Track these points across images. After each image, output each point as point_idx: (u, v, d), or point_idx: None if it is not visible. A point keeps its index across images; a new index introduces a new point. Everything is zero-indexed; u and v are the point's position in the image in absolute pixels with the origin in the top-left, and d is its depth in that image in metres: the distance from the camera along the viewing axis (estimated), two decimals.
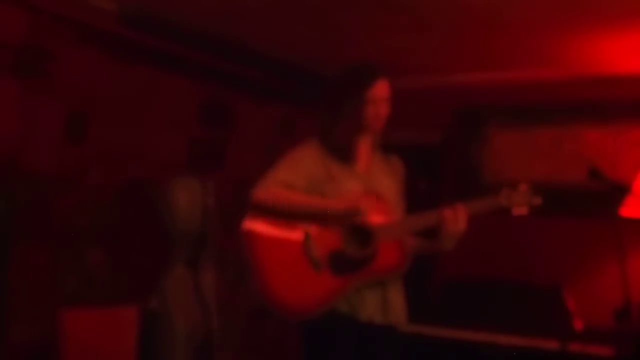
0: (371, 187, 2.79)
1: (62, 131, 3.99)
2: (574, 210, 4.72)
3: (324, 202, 2.68)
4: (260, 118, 5.25)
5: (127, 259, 4.28)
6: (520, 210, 2.77)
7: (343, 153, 2.78)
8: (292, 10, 4.09)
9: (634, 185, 4.11)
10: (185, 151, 4.73)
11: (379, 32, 4.38)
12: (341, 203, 2.65)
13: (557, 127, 4.88)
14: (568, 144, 4.84)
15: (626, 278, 3.51)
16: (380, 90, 2.77)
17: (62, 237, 3.98)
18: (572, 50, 4.48)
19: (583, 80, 4.81)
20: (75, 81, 4.02)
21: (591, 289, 4.57)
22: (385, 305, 2.74)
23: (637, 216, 4.09)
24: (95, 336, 3.66)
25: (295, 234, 2.69)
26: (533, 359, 3.95)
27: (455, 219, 2.70)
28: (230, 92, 5.02)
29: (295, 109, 5.48)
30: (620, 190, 3.83)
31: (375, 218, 2.69)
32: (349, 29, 4.36)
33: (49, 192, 3.91)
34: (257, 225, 2.69)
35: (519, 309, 4.26)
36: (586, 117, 4.80)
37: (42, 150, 3.89)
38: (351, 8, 4.00)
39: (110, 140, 4.21)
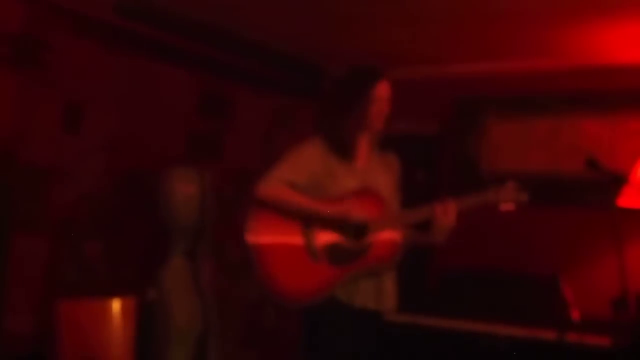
0: (368, 183, 2.96)
1: (59, 122, 3.99)
2: (572, 200, 4.72)
3: (318, 205, 2.85)
4: (259, 109, 5.25)
5: (125, 249, 4.28)
6: (507, 206, 2.93)
7: (344, 150, 2.95)
8: (291, 1, 4.08)
9: (631, 176, 4.11)
10: (183, 142, 4.73)
11: (377, 23, 4.37)
12: (332, 207, 2.83)
13: (555, 117, 4.88)
14: (566, 134, 4.84)
15: (623, 268, 3.52)
16: (384, 90, 2.95)
17: (60, 228, 3.98)
18: (570, 41, 4.47)
19: (581, 71, 4.80)
20: (72, 72, 4.01)
21: (589, 279, 4.57)
22: (378, 293, 2.93)
23: (634, 206, 4.10)
24: (92, 327, 3.67)
25: (295, 227, 2.87)
26: (530, 349, 3.95)
27: (445, 213, 2.88)
28: (229, 83, 5.01)
29: (293, 100, 5.47)
30: (618, 181, 3.83)
31: (371, 212, 2.88)
32: (347, 20, 4.35)
33: (47, 183, 3.91)
34: (260, 219, 2.86)
35: (517, 299, 4.26)
36: (584, 107, 4.79)
37: (39, 141, 3.88)
38: None
39: (108, 131, 4.21)
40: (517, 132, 5.01)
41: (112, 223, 4.23)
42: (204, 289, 4.23)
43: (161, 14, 4.33)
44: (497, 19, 4.14)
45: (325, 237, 2.86)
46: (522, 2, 3.85)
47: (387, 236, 2.91)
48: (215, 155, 4.95)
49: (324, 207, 2.84)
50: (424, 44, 4.78)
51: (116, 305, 3.73)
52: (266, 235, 2.85)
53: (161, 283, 4.10)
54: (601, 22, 4.10)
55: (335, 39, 4.75)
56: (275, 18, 4.42)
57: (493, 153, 5.09)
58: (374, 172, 3.01)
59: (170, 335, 4.07)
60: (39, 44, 3.85)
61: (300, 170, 2.89)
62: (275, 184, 2.85)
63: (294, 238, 2.86)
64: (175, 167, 4.20)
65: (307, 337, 2.95)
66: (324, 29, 4.58)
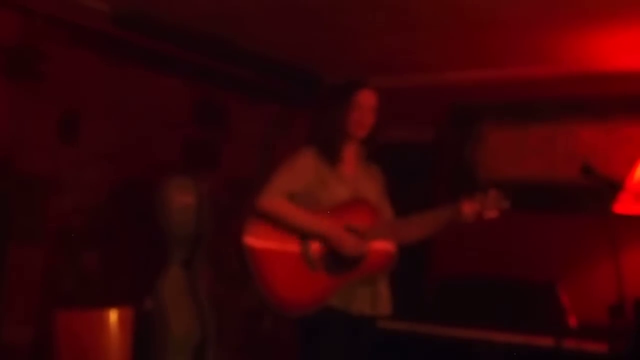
0: (358, 192, 3.00)
1: (55, 132, 3.99)
2: (568, 207, 4.72)
3: (315, 222, 2.88)
4: (254, 118, 5.25)
5: (121, 259, 4.28)
6: (490, 214, 2.93)
7: (331, 157, 2.97)
8: (286, 11, 4.09)
9: (627, 182, 4.12)
10: (179, 151, 4.73)
11: (372, 31, 4.38)
12: (328, 227, 2.87)
13: (551, 124, 4.88)
14: (561, 141, 4.85)
15: (620, 274, 3.52)
16: (366, 97, 2.97)
17: (57, 238, 3.98)
18: (565, 47, 4.48)
19: (576, 77, 4.81)
20: (68, 82, 4.02)
21: (585, 286, 4.57)
22: (375, 299, 2.96)
23: (630, 213, 4.10)
24: (90, 337, 3.67)
25: (292, 236, 2.88)
26: (528, 356, 3.95)
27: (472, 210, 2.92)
28: (224, 92, 5.01)
29: (289, 109, 5.48)
30: (614, 187, 3.83)
31: (364, 221, 2.92)
32: (342, 29, 4.36)
33: (44, 193, 3.91)
34: (258, 230, 2.87)
35: (514, 306, 4.27)
36: (579, 114, 4.80)
37: (35, 151, 3.88)
38: (345, 8, 4.00)
39: (104, 141, 4.21)
40: (513, 139, 5.02)
41: (109, 233, 4.23)
42: (202, 298, 4.22)
43: (157, 24, 4.34)
44: (493, 26, 4.16)
45: (322, 247, 2.89)
46: (518, 10, 3.87)
47: (382, 244, 2.95)
48: (212, 164, 4.96)
49: (323, 226, 2.87)
50: (419, 52, 4.79)
51: (113, 315, 3.72)
52: (263, 245, 2.86)
53: (158, 293, 4.10)
54: (596, 29, 4.11)
55: (331, 47, 4.76)
56: (271, 27, 4.43)
57: (489, 160, 5.09)
58: (362, 180, 3.04)
59: (167, 345, 4.06)
60: (35, 54, 3.85)
61: (297, 180, 2.92)
62: (276, 197, 2.87)
63: (291, 247, 2.87)
64: (172, 177, 4.21)
65: (303, 345, 2.96)
66: (320, 37, 4.59)
